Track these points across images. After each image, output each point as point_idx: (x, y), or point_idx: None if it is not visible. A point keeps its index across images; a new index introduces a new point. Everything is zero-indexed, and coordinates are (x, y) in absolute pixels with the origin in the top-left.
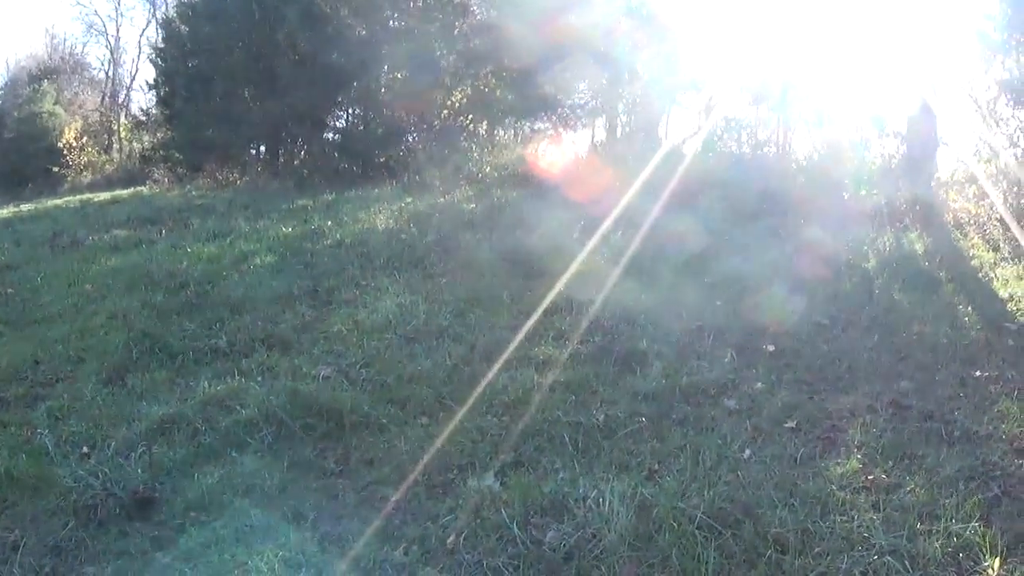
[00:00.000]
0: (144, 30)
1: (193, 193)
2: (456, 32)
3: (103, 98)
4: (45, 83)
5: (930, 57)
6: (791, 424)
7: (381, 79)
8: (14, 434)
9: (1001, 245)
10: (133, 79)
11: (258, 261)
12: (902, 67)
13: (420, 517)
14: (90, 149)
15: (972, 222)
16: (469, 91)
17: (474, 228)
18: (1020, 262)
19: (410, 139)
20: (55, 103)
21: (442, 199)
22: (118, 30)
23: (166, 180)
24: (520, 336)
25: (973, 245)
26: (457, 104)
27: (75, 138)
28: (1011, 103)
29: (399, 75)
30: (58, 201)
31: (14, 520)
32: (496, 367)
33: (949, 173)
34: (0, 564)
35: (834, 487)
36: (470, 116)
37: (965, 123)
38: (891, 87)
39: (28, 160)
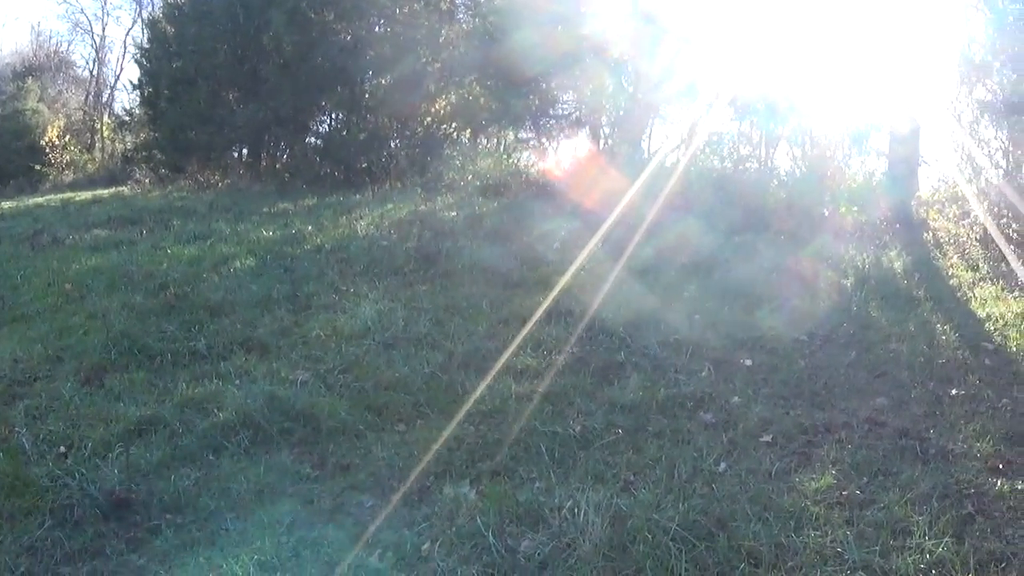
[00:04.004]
0: (130, 30)
1: (174, 194)
2: (441, 40)
3: (87, 97)
4: (29, 80)
5: (914, 77)
6: (767, 438)
7: (365, 84)
8: None
9: (980, 265)
10: (117, 78)
11: (238, 264)
12: (886, 86)
13: (395, 524)
14: (72, 148)
15: (952, 241)
16: (453, 99)
17: (455, 236)
18: (999, 282)
19: (392, 145)
20: (39, 101)
21: (423, 207)
22: (104, 29)
23: (147, 181)
24: (499, 345)
25: (952, 264)
26: (441, 112)
27: (58, 136)
28: (993, 124)
29: (383, 81)
30: (39, 199)
31: None
32: (474, 376)
33: (930, 192)
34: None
35: (808, 502)
36: (453, 124)
37: (947, 143)
38: (874, 105)
39: (10, 158)
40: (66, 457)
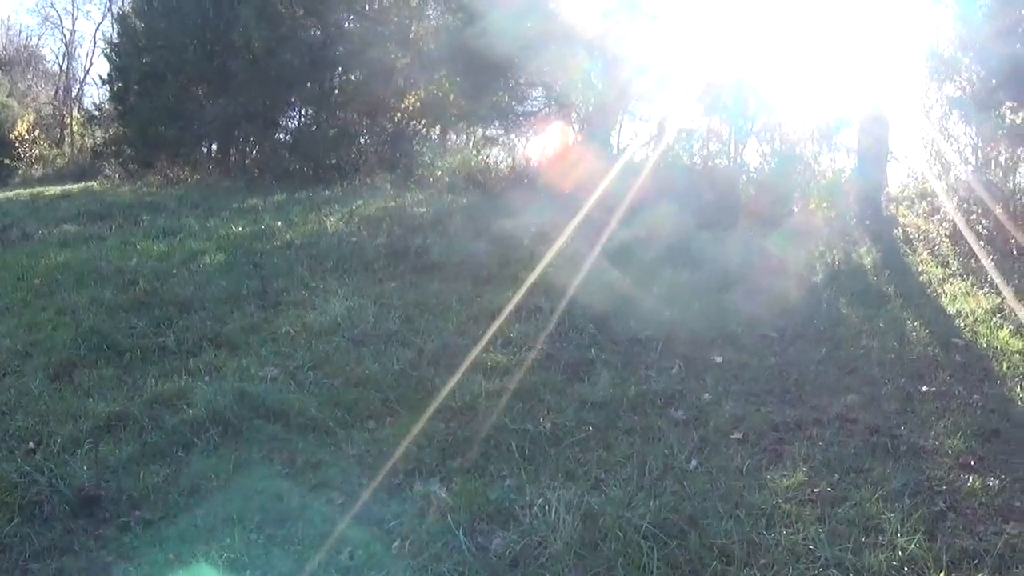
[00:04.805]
0: (99, 24)
1: (144, 190)
2: (411, 35)
3: (56, 91)
4: None
5: (883, 72)
6: (738, 436)
7: (334, 80)
8: None
9: (950, 261)
10: (87, 73)
11: (208, 260)
12: (855, 81)
13: (365, 521)
14: (42, 142)
15: (921, 237)
16: (422, 95)
17: (424, 233)
18: (968, 278)
19: (362, 142)
20: (8, 95)
21: (393, 203)
22: (74, 23)
23: (117, 176)
24: (468, 342)
25: (922, 261)
26: (410, 108)
27: (27, 131)
28: (962, 120)
29: (352, 77)
30: (8, 194)
31: None
32: (444, 373)
33: (899, 188)
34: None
35: (780, 499)
36: (423, 120)
37: (917, 138)
38: (843, 101)
39: None
40: (35, 453)
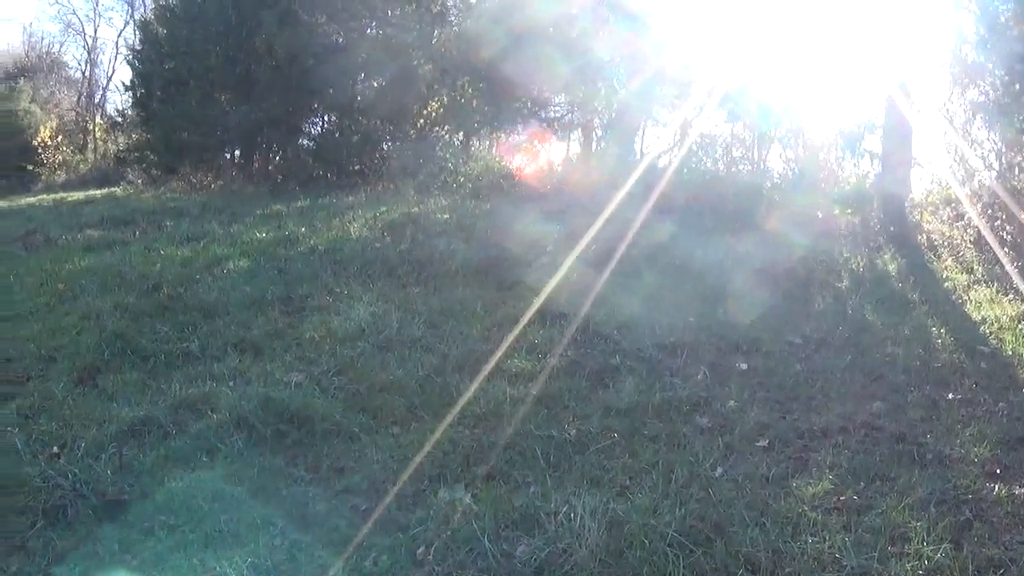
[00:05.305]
0: (122, 31)
1: (167, 195)
2: (434, 41)
3: (79, 98)
4: (21, 81)
5: (906, 78)
6: (763, 443)
7: (357, 86)
8: None
9: (975, 267)
10: (109, 80)
11: (232, 265)
12: (878, 87)
13: (390, 527)
14: (65, 148)
15: (946, 244)
16: (445, 101)
17: (448, 238)
18: (993, 285)
19: (385, 147)
20: (31, 101)
21: (416, 208)
22: (96, 30)
23: (140, 182)
24: (493, 348)
25: (946, 267)
26: (433, 114)
27: (50, 137)
28: (986, 125)
29: (375, 83)
30: (32, 199)
31: None
32: (469, 379)
33: (923, 194)
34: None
35: (806, 507)
36: (446, 126)
37: (940, 144)
38: (867, 107)
39: (2, 157)
40: (59, 457)
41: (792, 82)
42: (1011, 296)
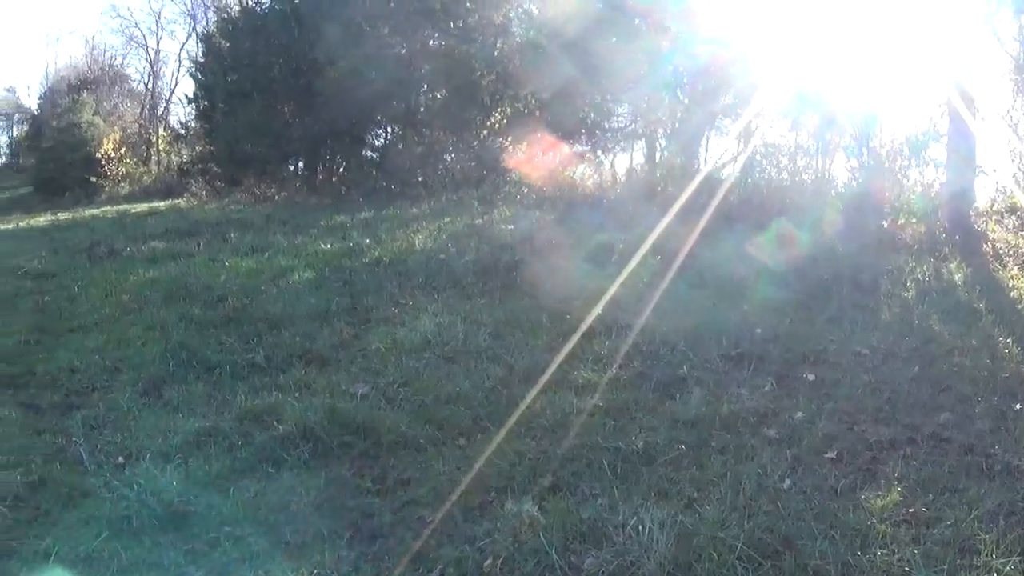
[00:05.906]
0: (184, 44)
1: (231, 207)
2: (496, 53)
3: (142, 110)
4: (84, 93)
5: (969, 86)
6: (831, 455)
7: (420, 98)
8: (49, 442)
9: None
10: (172, 92)
11: (296, 277)
12: (941, 96)
13: (457, 539)
14: (128, 160)
15: (1011, 253)
16: (508, 112)
17: (512, 250)
18: None
19: (448, 159)
20: (94, 113)
21: (480, 220)
22: (158, 43)
23: (203, 193)
24: (559, 359)
25: (1012, 276)
26: (496, 125)
27: (113, 149)
28: None
29: (438, 95)
30: (95, 211)
31: (47, 528)
32: (534, 390)
33: (988, 203)
34: (31, 572)
35: (874, 520)
36: (509, 137)
37: (1004, 153)
38: (931, 116)
39: (66, 169)
40: (124, 468)
41: (855, 90)
42: None
